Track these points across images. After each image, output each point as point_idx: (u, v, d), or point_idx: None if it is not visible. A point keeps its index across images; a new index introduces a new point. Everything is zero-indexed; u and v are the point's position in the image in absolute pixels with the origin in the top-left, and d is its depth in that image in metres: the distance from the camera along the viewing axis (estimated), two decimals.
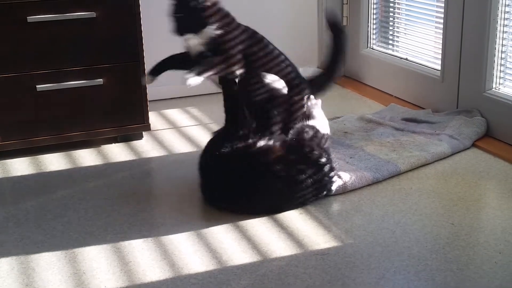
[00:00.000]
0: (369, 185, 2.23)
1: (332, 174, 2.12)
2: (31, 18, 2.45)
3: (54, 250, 1.87)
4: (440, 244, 1.84)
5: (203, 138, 2.69)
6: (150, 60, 2.79)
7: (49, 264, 1.80)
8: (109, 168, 2.46)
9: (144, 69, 2.64)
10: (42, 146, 2.58)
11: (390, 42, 3.36)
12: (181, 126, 2.92)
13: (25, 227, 2.01)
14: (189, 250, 1.85)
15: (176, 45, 3.17)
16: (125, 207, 2.11)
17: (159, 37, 3.24)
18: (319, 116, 2.25)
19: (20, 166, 2.49)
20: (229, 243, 1.88)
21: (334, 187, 2.16)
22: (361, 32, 3.45)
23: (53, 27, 2.49)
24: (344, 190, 2.18)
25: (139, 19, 2.60)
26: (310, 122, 2.19)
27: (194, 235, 1.93)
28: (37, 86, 2.51)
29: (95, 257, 1.83)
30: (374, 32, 3.43)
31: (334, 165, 2.14)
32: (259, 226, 1.98)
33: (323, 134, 2.16)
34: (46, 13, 2.46)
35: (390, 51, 3.33)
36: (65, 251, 1.86)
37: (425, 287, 1.65)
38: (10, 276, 1.75)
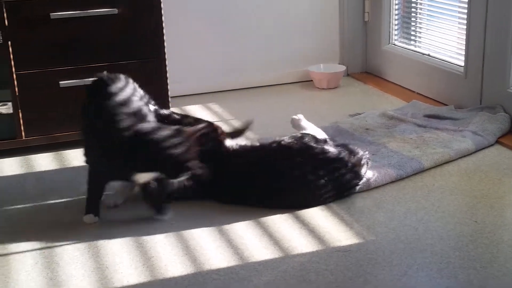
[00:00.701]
0: (391, 182, 2.22)
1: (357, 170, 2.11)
2: (54, 15, 2.47)
3: (77, 244, 1.88)
4: (463, 241, 1.83)
5: None
6: (171, 56, 2.81)
7: (72, 259, 1.81)
8: None
9: (166, 65, 2.65)
10: (65, 142, 2.60)
11: (412, 37, 3.33)
12: None
13: (49, 222, 2.03)
14: (210, 246, 1.85)
15: (197, 41, 3.18)
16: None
17: (180, 34, 3.25)
18: (309, 126, 2.27)
19: (43, 162, 2.51)
20: (251, 239, 1.88)
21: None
22: (382, 28, 3.43)
23: (76, 23, 2.51)
24: (368, 187, 2.17)
25: (161, 15, 2.61)
26: (305, 131, 2.21)
27: (216, 231, 1.94)
28: (60, 82, 2.53)
29: (118, 251, 1.84)
30: (396, 28, 3.41)
31: (362, 161, 2.13)
32: (280, 222, 1.97)
33: (324, 138, 2.16)
34: (69, 9, 2.48)
35: (412, 47, 3.31)
36: (88, 245, 1.88)
37: (447, 285, 1.63)
38: (35, 270, 1.76)
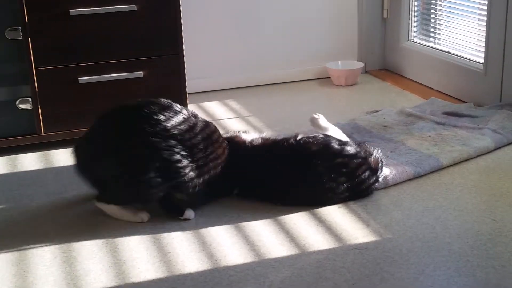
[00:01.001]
0: (409, 180, 2.21)
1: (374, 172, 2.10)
2: (74, 11, 2.48)
3: (95, 240, 1.90)
4: (482, 240, 1.81)
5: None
6: (189, 53, 2.81)
7: (90, 254, 1.82)
8: None
9: (184, 62, 2.66)
10: None
11: (432, 34, 3.31)
12: (220, 119, 2.93)
13: (67, 217, 2.05)
14: (227, 242, 1.86)
15: (215, 38, 3.19)
16: None
17: (198, 30, 3.26)
18: (330, 126, 2.24)
19: (62, 157, 2.53)
20: (267, 236, 1.89)
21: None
22: (401, 24, 3.41)
23: (95, 20, 2.52)
24: (386, 185, 2.16)
25: (179, 12, 2.61)
26: (326, 132, 2.19)
27: (233, 227, 1.94)
28: (79, 78, 2.55)
29: (136, 247, 1.85)
30: (415, 25, 3.39)
31: (378, 163, 2.12)
32: (297, 219, 1.97)
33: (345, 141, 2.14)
34: (88, 6, 2.50)
35: (431, 44, 3.28)
36: (106, 241, 1.89)
37: (465, 284, 1.62)
38: (53, 264, 1.78)
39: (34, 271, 1.75)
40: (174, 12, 2.60)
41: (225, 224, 1.96)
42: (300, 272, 1.69)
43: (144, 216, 2.00)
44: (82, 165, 2.05)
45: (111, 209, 2.00)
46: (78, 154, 2.06)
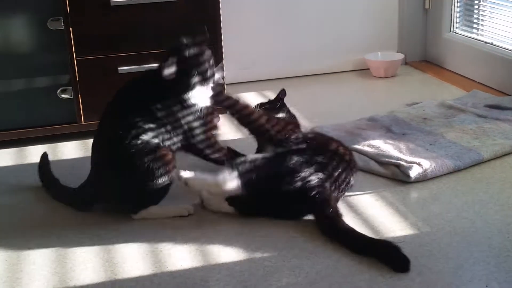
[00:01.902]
0: (448, 173, 2.17)
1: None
2: (114, 2, 2.51)
3: (132, 227, 1.92)
4: None
5: None
6: (227, 44, 2.81)
7: (127, 241, 1.84)
8: None
9: (222, 53, 2.66)
10: None
11: (475, 26, 3.24)
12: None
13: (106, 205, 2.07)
14: (262, 233, 1.85)
15: (252, 29, 3.18)
16: None
17: (236, 22, 3.25)
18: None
19: None
20: (303, 227, 1.87)
21: (413, 175, 2.11)
22: (444, 15, 3.34)
23: (135, 10, 2.54)
24: (424, 178, 2.13)
25: (218, 2, 2.61)
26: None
27: (267, 219, 1.93)
28: (119, 68, 2.58)
29: (172, 236, 1.86)
30: (457, 16, 3.32)
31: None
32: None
33: None
34: None
35: (474, 35, 3.22)
36: (144, 229, 1.91)
37: (505, 279, 1.59)
38: (91, 251, 1.80)
39: (73, 257, 1.78)
40: (214, 2, 2.60)
41: (260, 216, 1.95)
42: (336, 264, 1.68)
43: (190, 207, 1.99)
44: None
45: (153, 211, 1.98)
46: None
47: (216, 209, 1.96)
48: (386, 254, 1.68)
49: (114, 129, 1.93)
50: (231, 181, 1.87)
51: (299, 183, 1.87)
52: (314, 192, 1.86)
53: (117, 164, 1.93)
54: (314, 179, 1.88)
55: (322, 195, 1.86)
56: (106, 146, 1.98)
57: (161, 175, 1.92)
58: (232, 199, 1.92)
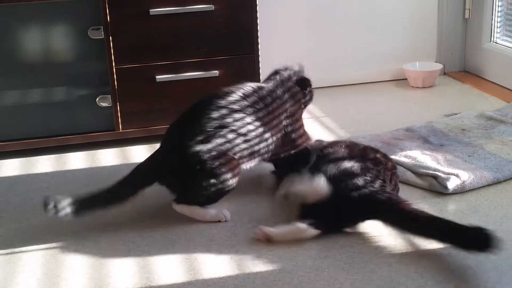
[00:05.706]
0: (488, 185, 2.13)
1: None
2: (153, 11, 2.54)
3: (169, 234, 1.93)
4: None
5: (315, 131, 2.69)
6: (264, 53, 2.82)
7: (163, 248, 1.86)
8: None
9: (259, 62, 2.67)
10: (160, 135, 2.66)
11: None
12: None
13: (142, 210, 2.09)
14: (296, 243, 1.84)
15: (290, 39, 3.18)
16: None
17: (273, 30, 3.26)
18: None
19: (139, 154, 2.59)
20: (338, 238, 1.86)
21: (451, 186, 2.08)
22: (484, 25, 3.30)
23: (173, 19, 2.57)
24: (462, 190, 2.09)
25: (256, 11, 2.63)
26: None
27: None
28: (157, 76, 2.61)
29: (207, 244, 1.87)
30: (498, 26, 3.27)
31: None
32: (369, 222, 1.94)
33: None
34: (167, 6, 2.55)
35: None
36: (179, 236, 1.92)
37: None
38: (128, 256, 1.82)
39: (109, 263, 1.80)
40: (251, 12, 2.62)
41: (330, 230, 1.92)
42: (371, 276, 1.66)
43: (227, 213, 2.00)
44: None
45: (195, 210, 1.99)
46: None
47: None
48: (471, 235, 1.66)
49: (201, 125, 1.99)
50: (324, 186, 1.84)
51: (368, 189, 1.86)
52: (381, 196, 1.85)
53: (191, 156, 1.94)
54: (377, 184, 1.89)
55: (389, 196, 1.86)
56: (189, 133, 2.00)
57: (224, 181, 1.94)
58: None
